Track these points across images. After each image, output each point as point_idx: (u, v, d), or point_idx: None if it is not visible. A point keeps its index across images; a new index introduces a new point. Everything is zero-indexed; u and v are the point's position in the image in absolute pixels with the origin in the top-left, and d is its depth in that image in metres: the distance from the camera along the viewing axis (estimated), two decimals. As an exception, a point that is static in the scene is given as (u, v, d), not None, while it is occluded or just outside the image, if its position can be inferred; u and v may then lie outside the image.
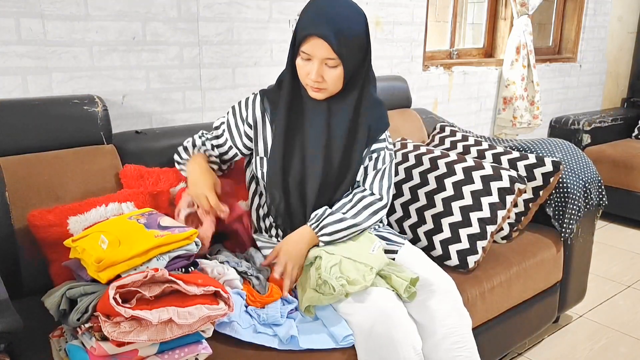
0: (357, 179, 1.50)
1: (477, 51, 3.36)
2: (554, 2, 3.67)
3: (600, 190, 2.06)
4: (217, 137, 1.57)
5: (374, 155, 1.50)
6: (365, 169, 1.50)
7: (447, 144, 2.14)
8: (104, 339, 1.03)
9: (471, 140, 2.09)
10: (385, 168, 1.51)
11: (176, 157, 1.59)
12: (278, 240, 1.53)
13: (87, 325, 1.06)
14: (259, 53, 2.15)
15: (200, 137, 1.58)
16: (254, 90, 2.16)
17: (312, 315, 1.33)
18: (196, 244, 1.25)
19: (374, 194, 1.48)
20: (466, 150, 2.04)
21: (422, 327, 1.35)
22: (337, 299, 1.29)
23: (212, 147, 1.57)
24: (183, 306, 1.07)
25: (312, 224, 1.42)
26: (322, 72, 1.34)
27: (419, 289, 1.37)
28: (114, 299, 1.01)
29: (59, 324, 1.17)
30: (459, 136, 2.16)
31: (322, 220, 1.42)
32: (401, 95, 2.43)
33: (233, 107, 1.56)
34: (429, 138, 2.32)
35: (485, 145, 2.03)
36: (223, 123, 1.57)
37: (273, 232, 1.56)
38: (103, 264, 1.10)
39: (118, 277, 1.11)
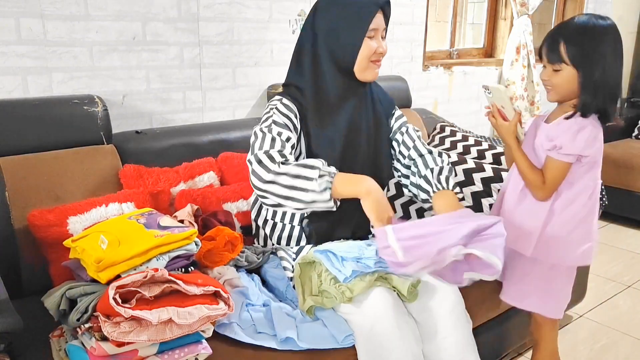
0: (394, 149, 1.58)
1: (477, 51, 3.35)
2: (554, 2, 3.67)
3: (600, 190, 2.05)
4: (288, 139, 1.37)
5: (404, 129, 1.58)
6: (404, 141, 1.56)
7: (447, 144, 2.14)
8: (104, 339, 1.04)
9: (471, 140, 2.09)
10: (419, 134, 1.61)
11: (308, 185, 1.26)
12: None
13: (87, 325, 1.06)
14: (259, 53, 2.15)
15: (283, 156, 1.32)
16: (254, 90, 2.17)
17: (312, 315, 1.33)
18: (196, 244, 1.25)
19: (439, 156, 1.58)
20: (466, 150, 2.04)
21: (423, 327, 1.34)
22: (340, 302, 1.29)
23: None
24: (183, 306, 1.07)
25: (442, 186, 1.47)
26: None
27: (420, 289, 1.36)
28: (114, 299, 1.01)
29: (59, 324, 1.17)
30: (459, 136, 2.15)
31: (441, 174, 1.48)
32: (401, 95, 2.43)
33: (273, 110, 1.41)
34: (429, 138, 2.32)
35: (485, 145, 2.03)
36: (279, 129, 1.37)
37: (303, 240, 1.49)
38: (103, 264, 1.10)
39: (118, 277, 1.11)
